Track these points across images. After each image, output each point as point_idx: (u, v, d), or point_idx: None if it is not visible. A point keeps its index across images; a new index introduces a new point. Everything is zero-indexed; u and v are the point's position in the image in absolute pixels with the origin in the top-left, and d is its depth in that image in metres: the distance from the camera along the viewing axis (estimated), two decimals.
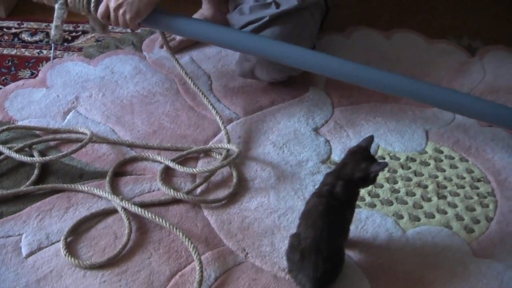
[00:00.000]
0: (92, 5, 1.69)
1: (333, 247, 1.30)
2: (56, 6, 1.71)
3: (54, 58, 1.96)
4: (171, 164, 1.61)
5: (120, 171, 1.63)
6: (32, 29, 2.19)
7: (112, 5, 1.64)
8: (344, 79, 1.70)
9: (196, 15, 2.05)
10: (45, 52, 2.08)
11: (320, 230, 1.27)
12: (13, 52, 2.09)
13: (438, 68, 2.02)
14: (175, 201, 1.54)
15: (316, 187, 1.48)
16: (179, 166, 1.61)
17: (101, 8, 1.67)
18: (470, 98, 1.73)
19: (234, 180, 1.59)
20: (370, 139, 1.38)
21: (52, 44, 1.75)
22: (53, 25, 1.72)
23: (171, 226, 1.45)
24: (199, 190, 1.59)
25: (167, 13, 1.73)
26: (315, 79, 1.94)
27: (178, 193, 1.53)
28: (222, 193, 1.57)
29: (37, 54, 2.07)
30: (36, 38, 2.16)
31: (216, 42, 1.82)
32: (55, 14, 1.71)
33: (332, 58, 1.70)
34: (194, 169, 1.61)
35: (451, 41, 2.17)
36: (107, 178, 1.59)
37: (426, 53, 2.12)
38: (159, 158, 1.64)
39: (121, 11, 1.64)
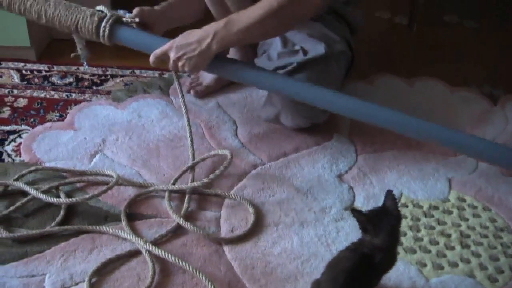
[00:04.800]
0: (101, 32, 1.75)
1: None
2: (73, 36, 1.82)
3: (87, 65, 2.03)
4: (172, 187, 1.68)
5: (144, 214, 1.64)
6: (62, 72, 2.24)
7: (172, 56, 1.68)
8: (371, 121, 1.71)
9: None
10: (74, 95, 2.12)
11: (339, 287, 1.26)
12: (43, 94, 2.12)
13: (461, 116, 2.03)
14: (198, 245, 1.55)
15: (340, 233, 1.49)
16: (175, 185, 1.69)
17: (158, 52, 1.70)
18: (495, 145, 1.74)
19: (252, 220, 1.61)
20: (392, 194, 1.35)
21: (84, 61, 1.89)
22: (78, 48, 1.85)
23: (194, 270, 1.45)
24: (223, 231, 1.60)
25: (223, 58, 1.77)
26: (339, 126, 1.96)
27: (181, 219, 1.59)
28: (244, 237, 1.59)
29: (66, 97, 2.11)
30: (66, 81, 2.20)
31: (270, 89, 1.81)
32: (76, 40, 1.84)
33: (362, 102, 1.71)
34: (190, 184, 1.68)
35: (473, 89, 2.19)
36: (123, 221, 1.59)
37: (449, 101, 2.13)
38: (161, 187, 1.69)
39: (180, 63, 1.68)
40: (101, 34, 1.76)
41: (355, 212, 1.31)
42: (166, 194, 1.67)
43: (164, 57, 1.71)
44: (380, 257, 1.29)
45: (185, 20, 1.98)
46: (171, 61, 1.70)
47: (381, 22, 2.73)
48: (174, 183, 1.71)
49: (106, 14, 1.77)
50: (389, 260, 1.32)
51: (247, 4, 1.88)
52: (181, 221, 1.59)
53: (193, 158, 1.78)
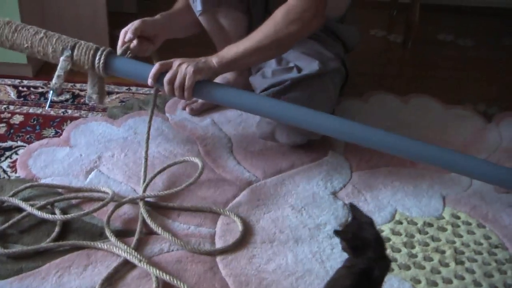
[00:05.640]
0: (97, 59, 1.73)
1: None
2: (61, 58, 1.76)
3: (50, 105, 1.99)
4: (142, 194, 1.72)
5: (134, 230, 1.63)
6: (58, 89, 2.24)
7: (177, 62, 1.69)
8: (362, 143, 1.72)
9: (217, 79, 2.10)
10: (70, 111, 2.13)
11: None
12: (39, 111, 2.13)
13: (455, 133, 2.04)
14: (193, 261, 1.55)
15: (335, 250, 1.49)
16: (146, 193, 1.73)
17: (163, 62, 1.71)
18: (486, 164, 1.74)
19: (238, 234, 1.63)
20: (353, 206, 1.33)
21: (51, 92, 1.78)
22: (55, 74, 1.75)
23: None
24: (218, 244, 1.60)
25: (213, 83, 1.78)
26: (334, 143, 1.97)
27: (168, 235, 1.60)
28: (240, 252, 1.58)
29: (62, 114, 2.12)
30: (62, 98, 2.21)
31: (260, 113, 1.82)
32: (59, 65, 1.76)
33: (351, 123, 1.72)
34: (162, 192, 1.73)
35: (467, 107, 2.20)
36: (112, 238, 1.59)
37: (443, 118, 2.15)
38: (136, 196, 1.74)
39: (184, 65, 1.68)
40: (97, 56, 1.74)
41: (341, 233, 1.27)
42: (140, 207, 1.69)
43: (167, 67, 1.71)
44: (378, 270, 1.27)
45: (183, 31, 2.00)
46: (173, 68, 1.69)
47: (376, 40, 2.75)
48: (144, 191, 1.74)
49: (100, 47, 1.76)
50: (384, 267, 1.30)
51: (242, 22, 1.91)
52: (171, 238, 1.59)
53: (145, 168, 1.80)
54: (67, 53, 1.74)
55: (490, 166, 1.70)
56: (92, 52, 1.75)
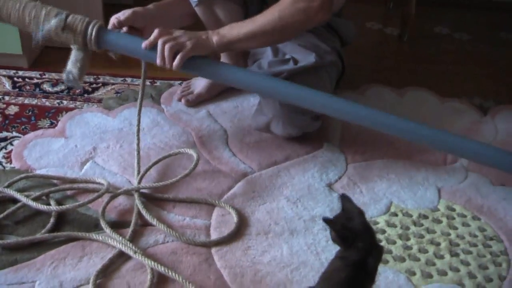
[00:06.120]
0: (90, 28, 1.65)
1: None
2: (54, 20, 1.66)
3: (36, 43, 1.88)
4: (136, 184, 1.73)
5: (129, 221, 1.63)
6: (53, 80, 2.24)
7: (178, 32, 1.67)
8: (361, 123, 1.70)
9: None
10: (65, 102, 2.12)
11: None
12: (34, 102, 2.13)
13: (451, 126, 2.04)
14: (188, 253, 1.55)
15: (330, 241, 1.49)
16: (139, 183, 1.73)
17: (163, 30, 1.67)
18: (485, 146, 1.73)
19: (233, 225, 1.63)
20: (345, 196, 1.32)
21: (40, 33, 1.67)
22: (47, 28, 1.65)
23: (183, 280, 1.45)
24: (213, 236, 1.60)
25: (215, 61, 1.77)
26: (330, 135, 1.97)
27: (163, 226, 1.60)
28: (235, 244, 1.58)
29: (57, 105, 2.11)
30: (57, 88, 2.20)
31: (256, 90, 1.82)
32: (52, 22, 1.65)
33: (349, 102, 1.71)
34: (157, 184, 1.73)
35: (463, 100, 2.20)
36: (107, 229, 1.59)
37: (439, 111, 2.15)
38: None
39: (185, 36, 1.65)
40: (91, 26, 1.66)
41: (330, 222, 1.24)
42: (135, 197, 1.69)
43: (163, 34, 1.66)
44: (372, 259, 1.26)
45: (177, 22, 1.98)
46: (171, 36, 1.65)
47: (372, 33, 2.75)
48: (139, 182, 1.75)
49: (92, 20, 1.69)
50: (378, 256, 1.29)
51: (238, 13, 1.90)
52: (166, 229, 1.60)
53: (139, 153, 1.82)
54: (60, 16, 1.66)
55: (489, 148, 1.68)
56: (85, 22, 1.67)
